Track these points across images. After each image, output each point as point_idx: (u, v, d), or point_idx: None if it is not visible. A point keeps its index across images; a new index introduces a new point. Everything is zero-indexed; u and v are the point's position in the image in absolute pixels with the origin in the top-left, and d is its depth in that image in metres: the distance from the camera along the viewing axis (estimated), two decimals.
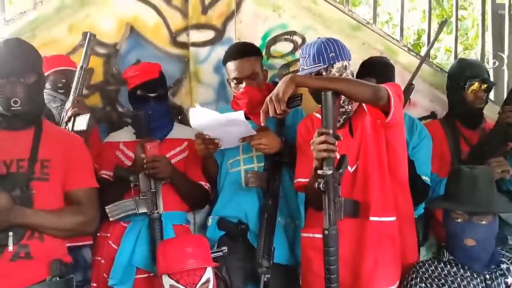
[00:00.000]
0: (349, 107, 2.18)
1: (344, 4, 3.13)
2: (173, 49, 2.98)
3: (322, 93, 1.89)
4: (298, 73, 2.19)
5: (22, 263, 1.91)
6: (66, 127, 2.43)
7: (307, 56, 2.18)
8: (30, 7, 2.95)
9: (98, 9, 2.93)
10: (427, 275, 2.12)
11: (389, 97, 1.98)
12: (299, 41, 3.01)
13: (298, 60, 2.51)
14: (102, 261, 2.52)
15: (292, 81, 1.93)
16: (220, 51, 2.81)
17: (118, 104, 2.99)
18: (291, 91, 1.93)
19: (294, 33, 3.01)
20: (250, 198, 2.48)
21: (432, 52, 4.39)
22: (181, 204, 2.58)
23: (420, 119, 2.86)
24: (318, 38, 2.23)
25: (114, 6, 2.94)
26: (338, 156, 1.93)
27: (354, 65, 2.32)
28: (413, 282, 2.11)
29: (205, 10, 2.94)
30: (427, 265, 2.15)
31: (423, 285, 2.09)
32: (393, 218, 2.11)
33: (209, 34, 2.95)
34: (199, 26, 2.95)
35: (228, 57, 2.55)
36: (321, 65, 2.14)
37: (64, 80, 2.73)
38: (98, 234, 2.56)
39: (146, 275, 2.45)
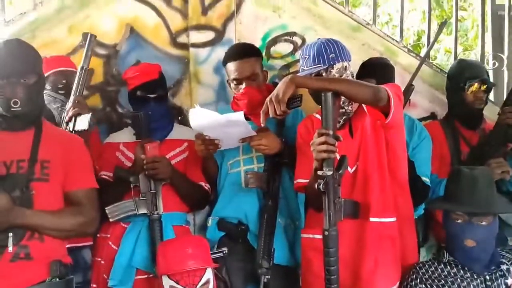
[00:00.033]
0: (349, 108, 2.18)
1: (344, 5, 3.14)
2: (173, 50, 2.98)
3: (322, 94, 1.89)
4: (298, 74, 2.19)
5: (22, 264, 1.90)
6: (67, 127, 2.43)
7: (307, 57, 2.18)
8: (30, 8, 2.95)
9: (98, 10, 2.93)
10: (427, 276, 2.12)
11: (389, 98, 1.98)
12: (299, 42, 3.01)
13: (298, 61, 2.50)
14: (102, 262, 2.52)
15: (292, 82, 1.93)
16: (220, 52, 2.82)
17: (118, 105, 2.99)
18: (291, 92, 1.93)
19: (294, 34, 3.01)
20: (250, 199, 2.48)
21: (432, 53, 4.40)
22: (181, 205, 2.57)
23: (420, 120, 2.86)
24: (318, 39, 2.23)
25: (114, 7, 2.94)
26: (338, 157, 1.93)
27: (354, 66, 2.32)
28: (413, 283, 2.11)
29: (205, 11, 2.94)
30: (427, 266, 2.15)
31: (423, 286, 2.09)
32: (393, 219, 2.11)
33: (209, 35, 2.95)
34: (199, 27, 2.94)
35: (228, 58, 2.55)
36: (321, 66, 2.15)
37: (64, 81, 2.73)
38: (98, 235, 2.56)
39: (146, 276, 2.45)
